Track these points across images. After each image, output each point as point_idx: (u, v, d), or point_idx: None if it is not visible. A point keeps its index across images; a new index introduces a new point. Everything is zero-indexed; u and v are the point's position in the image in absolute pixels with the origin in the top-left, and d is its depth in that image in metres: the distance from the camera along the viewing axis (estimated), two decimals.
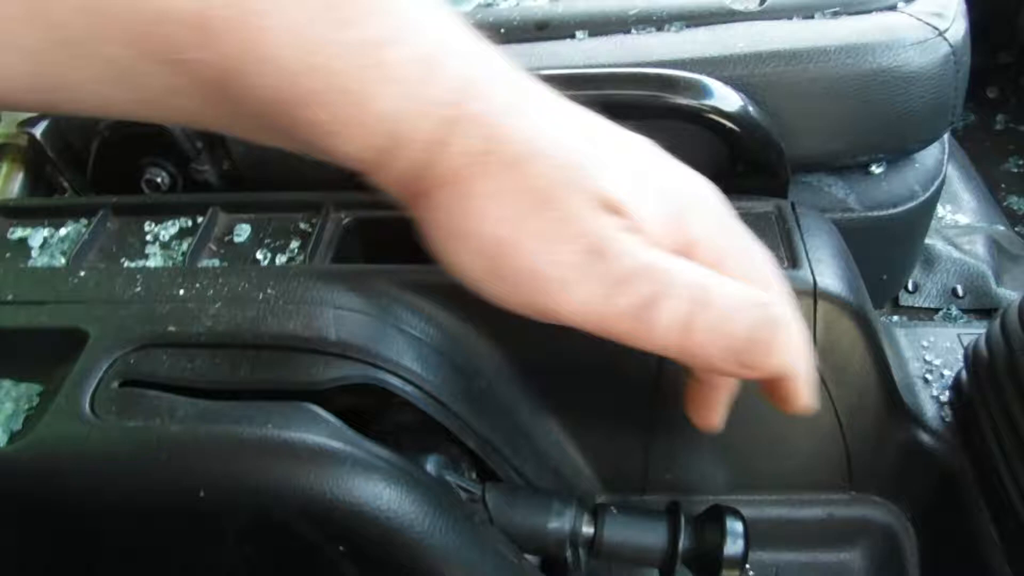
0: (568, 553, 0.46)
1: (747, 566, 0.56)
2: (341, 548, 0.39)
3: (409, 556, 0.40)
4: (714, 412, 0.43)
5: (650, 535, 0.46)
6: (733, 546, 0.45)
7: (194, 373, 0.43)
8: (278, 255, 0.53)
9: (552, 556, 0.48)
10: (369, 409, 0.49)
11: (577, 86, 0.53)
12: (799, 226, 0.53)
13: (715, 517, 0.47)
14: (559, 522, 0.46)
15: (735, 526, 0.46)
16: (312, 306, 0.46)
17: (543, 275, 0.32)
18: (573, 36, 0.59)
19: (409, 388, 0.45)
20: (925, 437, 0.55)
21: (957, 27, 0.59)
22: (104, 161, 0.62)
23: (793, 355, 0.34)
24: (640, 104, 0.54)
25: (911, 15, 0.59)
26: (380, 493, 0.39)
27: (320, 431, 0.40)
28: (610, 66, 0.55)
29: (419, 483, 0.41)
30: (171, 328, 0.44)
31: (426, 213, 0.34)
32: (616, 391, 0.52)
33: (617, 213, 0.32)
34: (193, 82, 0.29)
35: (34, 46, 0.27)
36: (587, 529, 0.46)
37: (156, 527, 0.39)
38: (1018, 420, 0.48)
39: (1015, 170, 1.31)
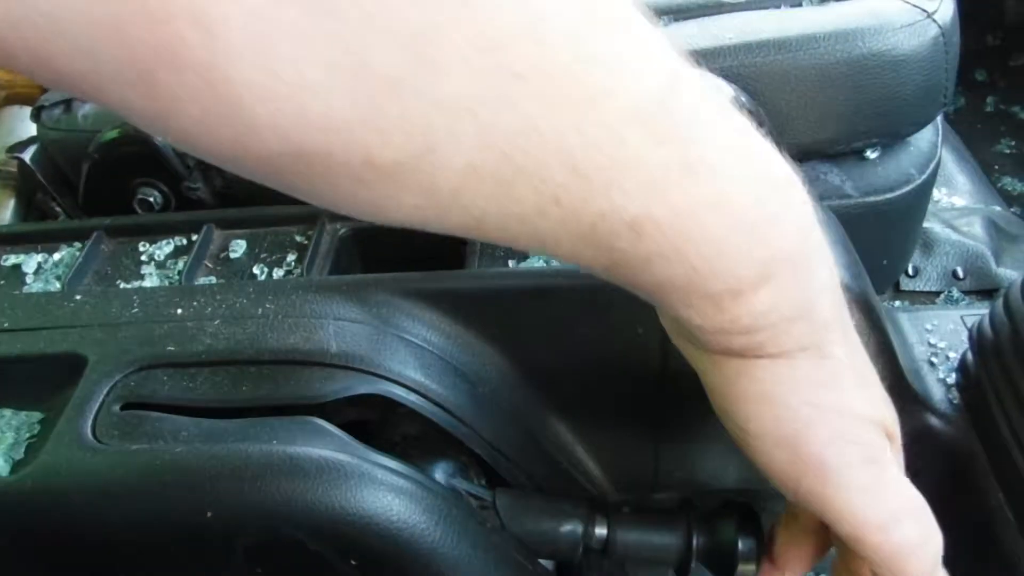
0: (581, 556, 0.46)
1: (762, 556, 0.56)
2: (353, 563, 0.38)
3: (422, 567, 0.39)
4: None
5: (664, 535, 0.46)
6: (747, 541, 0.44)
7: (196, 393, 0.42)
8: (275, 269, 0.52)
9: (566, 559, 0.47)
10: (374, 420, 0.49)
11: None
12: None
13: (728, 512, 0.46)
14: (571, 525, 0.45)
15: (748, 520, 0.45)
16: (312, 319, 0.45)
17: (830, 466, 0.34)
18: None
19: (413, 397, 0.44)
20: (934, 421, 0.54)
21: (945, 8, 0.59)
22: (95, 183, 0.62)
23: None
24: None
25: None
26: (390, 505, 0.38)
27: (326, 445, 0.39)
28: None
29: (429, 492, 0.40)
30: (170, 348, 0.44)
31: (740, 371, 0.34)
32: (622, 391, 0.52)
33: (890, 439, 0.37)
34: (599, 255, 0.30)
35: (487, 213, 0.29)
36: (600, 531, 0.46)
37: (164, 550, 0.39)
38: None
39: (1007, 151, 1.31)
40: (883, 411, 0.36)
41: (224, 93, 0.25)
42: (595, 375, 0.51)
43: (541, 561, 0.48)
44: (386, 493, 0.39)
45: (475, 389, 0.48)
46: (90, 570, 0.40)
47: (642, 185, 0.28)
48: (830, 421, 0.33)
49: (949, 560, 0.53)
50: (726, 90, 0.54)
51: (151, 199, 0.62)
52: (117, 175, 0.62)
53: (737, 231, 0.29)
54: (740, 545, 0.44)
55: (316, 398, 0.42)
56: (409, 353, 0.46)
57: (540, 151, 0.27)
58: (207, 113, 0.25)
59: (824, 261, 0.33)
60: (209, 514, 0.37)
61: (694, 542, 0.45)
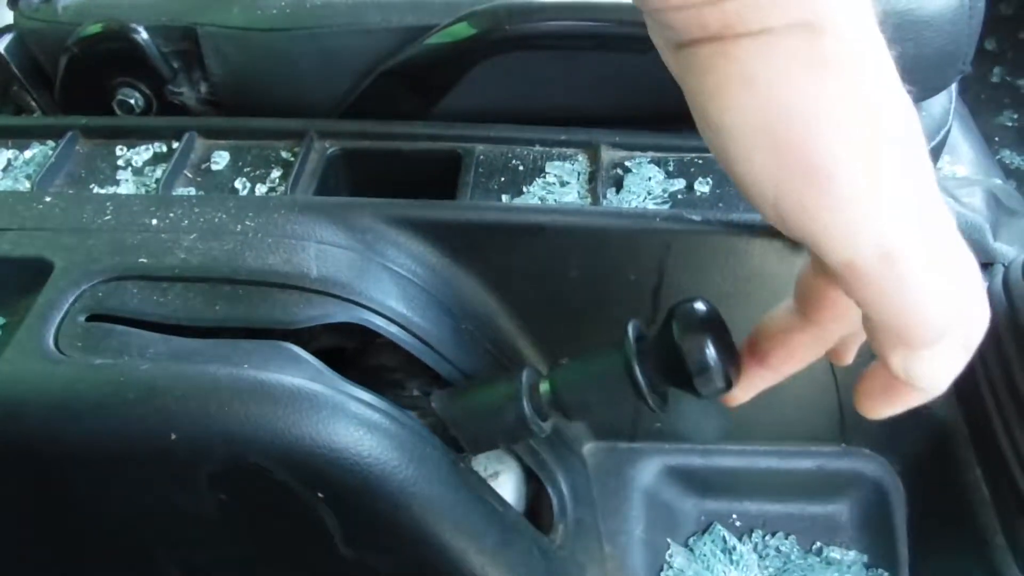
0: (535, 426, 0.39)
1: (734, 515, 0.55)
2: (320, 495, 0.37)
3: (391, 505, 0.38)
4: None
5: (608, 371, 0.37)
6: (693, 340, 0.34)
7: (166, 308, 0.40)
8: (258, 185, 0.50)
9: (520, 434, 0.40)
10: (351, 349, 0.47)
11: (580, 15, 0.50)
12: None
13: (670, 319, 0.35)
14: (513, 398, 0.39)
15: (695, 320, 0.35)
16: (293, 240, 0.43)
17: (821, 166, 0.26)
18: None
19: (394, 329, 0.43)
20: None
21: None
22: (73, 80, 0.59)
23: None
24: (644, 37, 0.51)
25: None
26: (361, 439, 0.37)
27: (299, 372, 0.38)
28: None
29: (404, 429, 0.39)
30: (142, 260, 0.42)
31: (718, 53, 0.27)
32: (609, 335, 0.50)
33: (911, 142, 0.28)
34: None
35: None
36: (544, 392, 0.39)
37: (124, 471, 0.37)
38: (1016, 374, 0.47)
39: (1009, 124, 1.29)
40: (900, 104, 0.28)
41: None
42: (583, 318, 0.50)
43: (511, 504, 0.47)
44: (358, 427, 0.37)
45: (458, 324, 0.47)
46: (45, 486, 0.38)
47: None
48: (825, 110, 0.26)
49: (921, 531, 0.54)
50: None
51: (131, 101, 0.58)
52: (97, 72, 0.58)
53: None
54: (686, 343, 0.34)
55: (292, 323, 0.40)
56: (392, 283, 0.44)
57: None
58: None
59: None
60: (174, 436, 0.36)
61: (636, 369, 0.36)
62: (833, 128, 0.26)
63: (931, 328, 0.27)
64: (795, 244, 0.45)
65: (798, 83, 0.26)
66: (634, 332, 0.37)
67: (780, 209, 0.27)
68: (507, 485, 0.51)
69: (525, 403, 0.39)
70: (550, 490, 0.50)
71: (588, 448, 0.56)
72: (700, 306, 0.35)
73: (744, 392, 0.37)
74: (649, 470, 0.56)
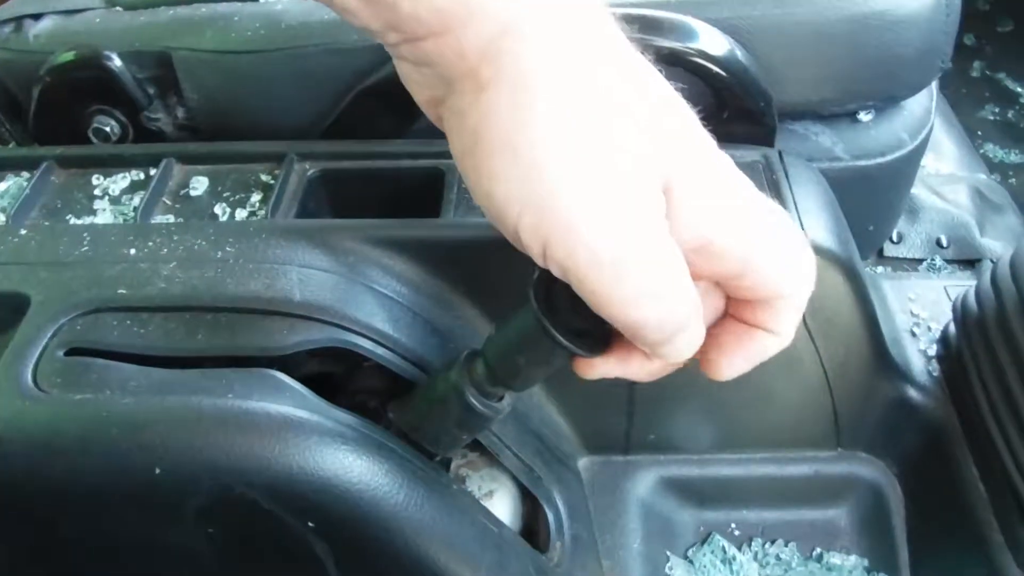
0: (486, 409, 0.38)
1: (732, 525, 0.55)
2: (310, 524, 0.36)
3: (383, 530, 0.37)
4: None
5: (524, 324, 0.36)
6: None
7: (147, 340, 0.39)
8: (238, 209, 0.49)
9: (484, 427, 0.40)
10: (338, 374, 0.47)
11: None
12: (787, 176, 0.51)
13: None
14: (454, 388, 0.37)
15: None
16: (275, 265, 0.43)
17: (578, 214, 0.28)
18: None
19: (381, 351, 0.42)
20: (912, 392, 0.53)
21: None
22: (47, 109, 0.58)
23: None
24: None
25: None
26: (350, 466, 0.36)
27: (285, 400, 0.37)
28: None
29: (392, 453, 0.38)
30: (121, 291, 0.41)
31: (477, 107, 0.29)
32: None
33: (667, 188, 0.29)
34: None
35: None
36: (480, 370, 0.37)
37: (108, 508, 0.36)
38: (1007, 373, 0.46)
39: (991, 118, 1.30)
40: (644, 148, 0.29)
41: None
42: None
43: (507, 525, 0.47)
44: (347, 453, 0.37)
45: (446, 344, 0.46)
46: (28, 527, 0.37)
47: None
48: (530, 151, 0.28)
49: (919, 532, 0.53)
50: None
51: (107, 129, 0.58)
52: (71, 101, 0.58)
53: None
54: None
55: (276, 350, 0.39)
56: (377, 304, 0.44)
57: None
58: None
59: None
60: (158, 471, 0.35)
61: (544, 320, 0.34)
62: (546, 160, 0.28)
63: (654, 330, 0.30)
64: None
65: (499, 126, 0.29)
66: (541, 284, 0.36)
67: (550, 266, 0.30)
68: (502, 504, 0.50)
69: (466, 388, 0.37)
70: (546, 507, 0.49)
71: (583, 463, 0.55)
72: None
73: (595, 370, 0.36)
74: (645, 482, 0.55)
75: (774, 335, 0.34)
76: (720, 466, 0.55)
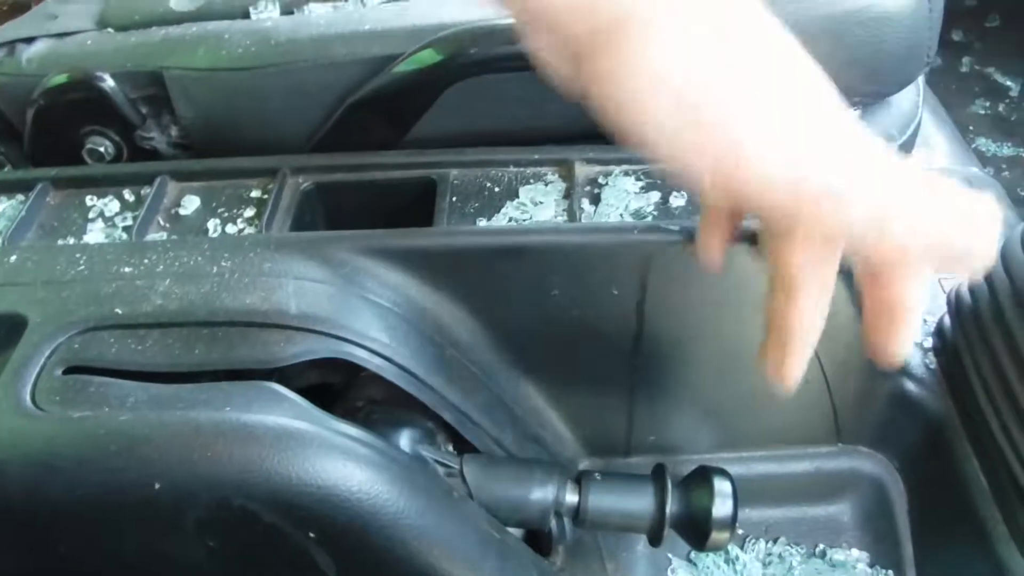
0: (552, 523, 0.45)
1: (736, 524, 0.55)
2: (311, 535, 0.36)
3: (385, 539, 0.37)
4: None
5: (636, 501, 0.45)
6: (722, 507, 0.43)
7: (144, 356, 0.40)
8: (231, 224, 0.50)
9: (536, 527, 0.46)
10: (336, 384, 0.47)
11: None
12: None
13: (702, 478, 0.45)
14: (542, 492, 0.44)
15: (723, 486, 0.44)
16: (270, 278, 0.43)
17: (741, 132, 0.29)
18: None
19: (377, 360, 0.42)
20: (911, 385, 0.53)
21: None
22: (41, 131, 0.58)
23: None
24: None
25: None
26: (350, 474, 0.37)
27: (283, 411, 0.37)
28: None
29: (392, 461, 0.38)
30: (118, 309, 0.41)
31: (616, 44, 0.29)
32: (596, 353, 0.50)
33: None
34: None
35: None
36: (571, 498, 0.44)
37: (109, 524, 0.36)
38: (1004, 364, 0.46)
39: (982, 112, 1.30)
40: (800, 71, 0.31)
41: None
42: (568, 337, 0.49)
43: (510, 529, 0.46)
44: (346, 462, 0.37)
45: (443, 352, 0.46)
46: (29, 546, 0.37)
47: None
48: (730, 80, 0.29)
49: (922, 525, 0.53)
50: None
51: (101, 149, 0.58)
52: (65, 123, 0.58)
53: None
54: (714, 513, 0.43)
55: (273, 362, 0.39)
56: (373, 314, 0.44)
57: None
58: None
59: None
60: (158, 486, 0.35)
61: (667, 510, 0.44)
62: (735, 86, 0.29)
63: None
64: None
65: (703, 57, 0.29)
66: (668, 479, 0.45)
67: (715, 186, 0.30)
68: None
69: (552, 500, 0.43)
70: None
71: (584, 466, 0.55)
72: (728, 480, 0.45)
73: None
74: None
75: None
76: (721, 466, 0.55)
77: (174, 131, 0.59)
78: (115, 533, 0.37)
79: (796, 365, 0.36)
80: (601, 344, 0.50)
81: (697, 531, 0.44)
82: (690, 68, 0.29)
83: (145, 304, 0.42)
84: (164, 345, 0.40)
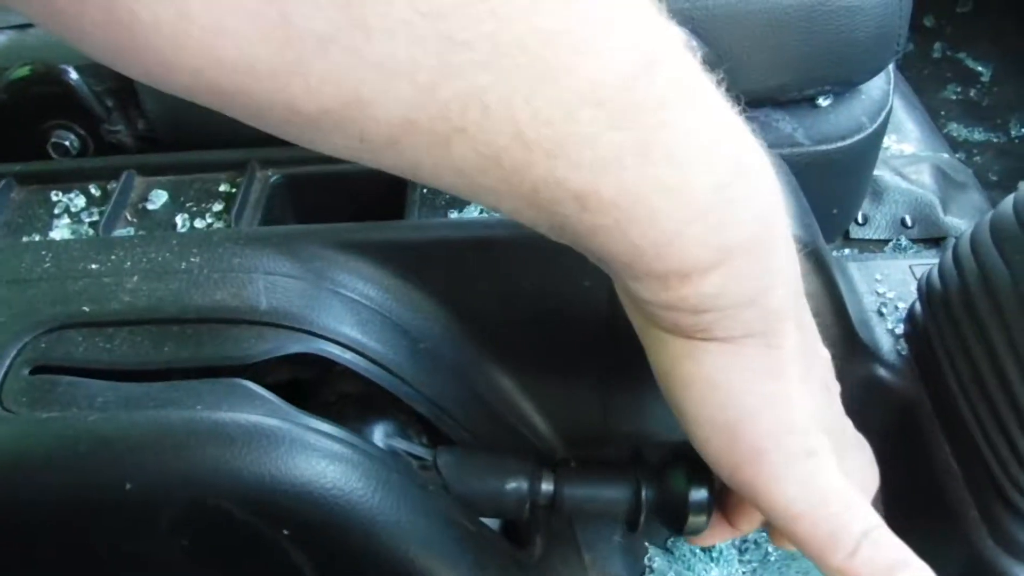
0: (528, 513, 0.45)
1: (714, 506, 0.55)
2: (285, 532, 0.36)
3: (361, 536, 0.37)
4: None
5: (612, 488, 0.44)
6: (698, 493, 0.42)
7: (113, 354, 0.39)
8: (199, 220, 0.49)
9: (512, 517, 0.46)
10: (309, 380, 0.46)
11: None
12: None
13: (678, 463, 0.44)
14: (517, 482, 0.43)
15: (699, 470, 0.43)
16: (240, 274, 0.43)
17: (767, 457, 0.33)
18: None
19: (349, 355, 0.42)
20: (882, 371, 0.54)
21: None
22: (4, 125, 0.57)
23: None
24: None
25: None
26: (324, 471, 0.36)
27: (255, 409, 0.37)
28: None
29: (366, 457, 0.38)
30: (85, 307, 0.41)
31: (686, 352, 0.33)
32: (569, 344, 0.50)
33: (828, 434, 0.35)
34: (542, 217, 0.29)
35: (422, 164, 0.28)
36: (546, 487, 0.44)
37: (79, 526, 0.36)
38: (973, 349, 0.47)
39: (953, 97, 1.32)
40: (830, 404, 0.37)
41: (128, 27, 0.23)
42: (541, 328, 0.49)
43: (486, 521, 0.47)
44: (320, 459, 0.37)
45: (416, 345, 0.46)
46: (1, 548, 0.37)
47: (590, 163, 0.26)
48: (772, 412, 0.33)
49: (894, 511, 0.54)
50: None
51: (67, 143, 0.57)
52: (28, 116, 0.57)
53: (690, 217, 0.28)
54: (691, 496, 0.42)
55: (245, 359, 0.39)
56: (345, 309, 0.44)
57: (483, 119, 0.25)
58: (112, 43, 0.24)
59: (785, 249, 0.32)
60: (129, 486, 0.35)
61: (643, 495, 0.43)
62: (776, 421, 0.33)
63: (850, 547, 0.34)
64: None
65: (754, 389, 0.32)
66: (643, 462, 0.45)
67: (735, 481, 0.34)
68: None
69: (527, 490, 0.43)
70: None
71: (559, 457, 0.55)
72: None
73: (711, 541, 0.45)
74: None
75: None
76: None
77: (140, 124, 0.58)
78: (86, 534, 0.36)
79: (720, 540, 0.45)
80: (573, 336, 0.50)
81: (674, 516, 0.44)
82: (745, 411, 0.33)
83: (113, 302, 0.41)
84: (133, 343, 0.40)
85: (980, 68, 1.33)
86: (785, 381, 0.33)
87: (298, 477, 0.36)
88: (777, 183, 0.31)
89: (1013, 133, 1.23)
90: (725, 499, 0.43)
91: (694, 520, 0.42)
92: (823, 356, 0.38)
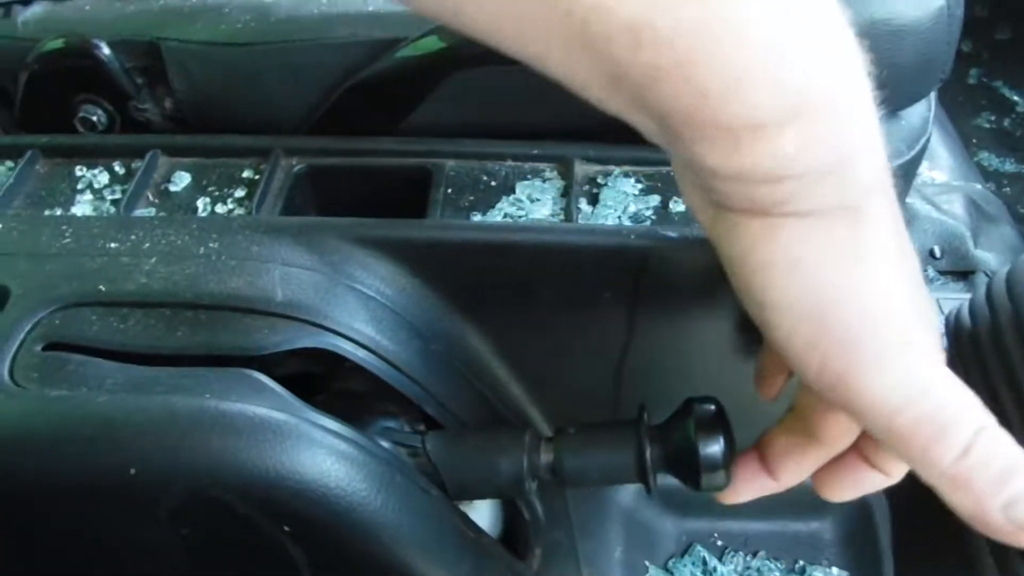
0: (528, 486, 0.40)
1: (715, 534, 0.54)
2: (286, 529, 0.36)
3: (361, 536, 0.37)
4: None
5: (616, 451, 0.40)
6: (709, 443, 0.37)
7: (126, 336, 0.39)
8: (220, 204, 0.49)
9: (513, 496, 0.43)
10: (318, 374, 0.46)
11: None
12: None
13: (684, 414, 0.39)
14: (512, 456, 0.40)
15: (710, 419, 0.38)
16: (257, 263, 0.42)
17: (862, 345, 0.28)
18: None
19: (362, 353, 0.41)
20: None
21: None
22: (34, 97, 0.57)
23: None
24: None
25: None
26: (328, 470, 0.36)
27: (263, 401, 0.37)
28: None
29: (372, 458, 0.38)
30: (101, 286, 0.41)
31: (764, 232, 0.29)
32: (583, 358, 0.50)
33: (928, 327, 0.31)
34: (594, 64, 0.26)
35: None
36: (546, 457, 0.40)
37: (81, 507, 0.36)
38: (1000, 391, 0.46)
39: (987, 126, 1.30)
40: (922, 292, 0.31)
41: None
42: (556, 340, 0.49)
43: (485, 504, 0.46)
44: (325, 457, 0.36)
45: (428, 346, 0.46)
46: (2, 524, 0.37)
47: None
48: (866, 295, 0.28)
49: (907, 548, 0.53)
50: None
51: (94, 118, 0.57)
52: (58, 89, 0.57)
53: (756, 57, 0.25)
54: (701, 449, 0.37)
55: (256, 349, 0.39)
56: (360, 305, 0.43)
57: None
58: None
59: (869, 116, 0.28)
60: (133, 471, 0.34)
61: (647, 454, 0.39)
62: (871, 302, 0.28)
63: (962, 445, 0.29)
64: None
65: (843, 270, 0.28)
66: (646, 418, 0.40)
67: (824, 377, 0.29)
68: (481, 509, 0.50)
69: (524, 463, 0.40)
70: (525, 513, 0.49)
71: None
72: (714, 407, 0.39)
73: (746, 496, 0.39)
74: (628, 490, 0.55)
75: (887, 477, 0.35)
76: None
77: (168, 104, 0.57)
78: (87, 516, 0.36)
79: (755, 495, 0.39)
80: (588, 349, 0.49)
81: (688, 471, 0.39)
82: (833, 291, 0.29)
83: (129, 283, 0.41)
84: (146, 326, 0.39)
85: (1016, 97, 1.31)
86: (877, 262, 0.29)
87: (302, 474, 0.35)
88: (856, 44, 0.27)
89: None
90: (766, 446, 0.38)
91: (709, 476, 0.38)
92: (912, 252, 0.33)
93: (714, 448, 0.37)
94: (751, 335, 0.48)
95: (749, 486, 0.38)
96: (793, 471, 0.37)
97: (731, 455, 0.38)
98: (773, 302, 0.29)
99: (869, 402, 0.28)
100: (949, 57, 0.57)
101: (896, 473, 0.35)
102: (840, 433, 0.35)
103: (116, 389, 0.36)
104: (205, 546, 0.37)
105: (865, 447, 0.35)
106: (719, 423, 0.38)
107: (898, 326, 0.29)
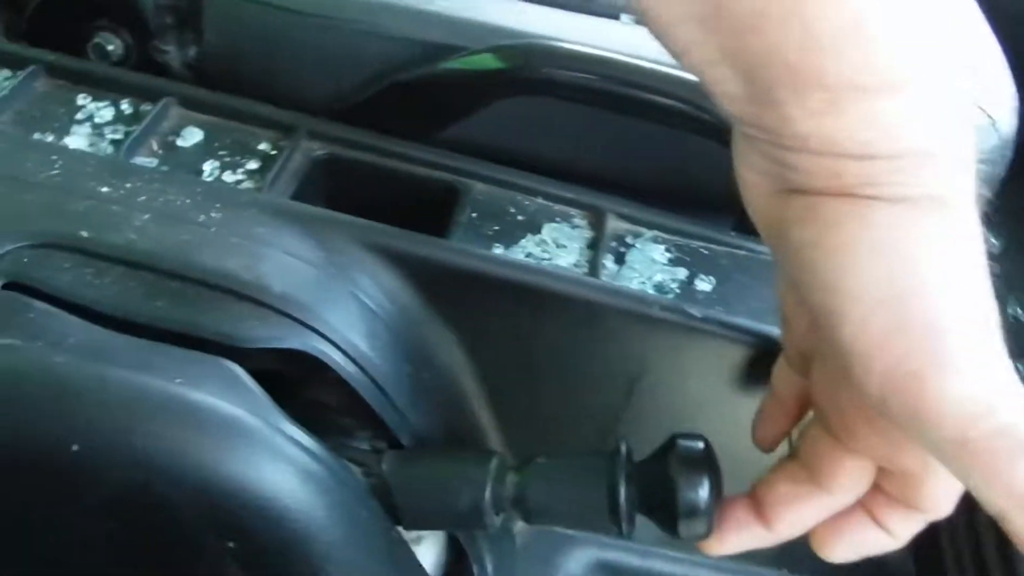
0: (489, 520, 0.36)
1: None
2: (230, 544, 0.32)
3: (308, 567, 0.33)
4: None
5: (587, 485, 0.35)
6: (690, 488, 0.32)
7: (99, 292, 0.35)
8: (228, 172, 0.45)
9: (472, 527, 0.39)
10: (289, 375, 0.42)
11: (622, 74, 0.47)
12: None
13: (666, 450, 0.34)
14: (474, 484, 0.35)
15: (694, 459, 0.33)
16: (260, 246, 0.39)
17: (947, 339, 0.25)
18: (618, 17, 0.52)
19: (351, 368, 0.38)
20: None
21: (1010, 119, 0.55)
22: (48, 9, 0.53)
23: None
24: (673, 112, 0.48)
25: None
26: (293, 489, 0.32)
27: (237, 399, 0.33)
28: (652, 61, 0.48)
29: (341, 485, 0.34)
30: (83, 231, 0.37)
31: (849, 214, 0.26)
32: (574, 419, 0.47)
33: None
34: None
35: None
36: (511, 487, 0.35)
37: (7, 472, 0.31)
38: (985, 549, 0.44)
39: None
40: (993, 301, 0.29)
41: None
42: (551, 393, 0.46)
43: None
44: (293, 475, 0.33)
45: (418, 373, 0.43)
46: None
47: None
48: (954, 285, 0.26)
49: None
50: None
51: (109, 47, 0.53)
52: (78, 9, 0.53)
53: (883, 7, 0.23)
54: (681, 492, 0.32)
55: (241, 340, 0.35)
56: (359, 315, 0.40)
57: None
58: None
59: (968, 111, 0.27)
60: (75, 447, 0.30)
61: (621, 491, 0.34)
62: (958, 295, 0.26)
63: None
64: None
65: (932, 258, 0.26)
66: (624, 452, 0.35)
67: (893, 377, 0.25)
68: (429, 553, 0.47)
69: (487, 492, 0.35)
70: (475, 568, 0.45)
71: (520, 527, 0.52)
72: (702, 445, 0.34)
73: (734, 546, 0.34)
74: (579, 561, 0.52)
75: (893, 540, 0.32)
76: (662, 562, 0.52)
77: (193, 51, 0.54)
78: (12, 488, 0.32)
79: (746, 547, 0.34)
80: (582, 410, 0.46)
81: (666, 514, 0.34)
82: (917, 281, 0.26)
83: (115, 234, 0.37)
84: (124, 287, 0.35)
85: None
86: (968, 253, 0.26)
87: (264, 489, 0.32)
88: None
89: None
90: (763, 492, 0.34)
91: (687, 522, 0.33)
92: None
93: (697, 491, 0.32)
94: (757, 378, 0.45)
95: (739, 535, 0.34)
96: (791, 522, 0.33)
97: (716, 500, 0.33)
98: (848, 288, 0.26)
99: (945, 408, 0.25)
100: (993, 196, 0.56)
101: (904, 535, 0.32)
102: (851, 482, 0.32)
103: (76, 351, 0.32)
104: (128, 546, 0.33)
105: (873, 502, 0.32)
106: (705, 463, 0.33)
107: (981, 324, 0.26)
